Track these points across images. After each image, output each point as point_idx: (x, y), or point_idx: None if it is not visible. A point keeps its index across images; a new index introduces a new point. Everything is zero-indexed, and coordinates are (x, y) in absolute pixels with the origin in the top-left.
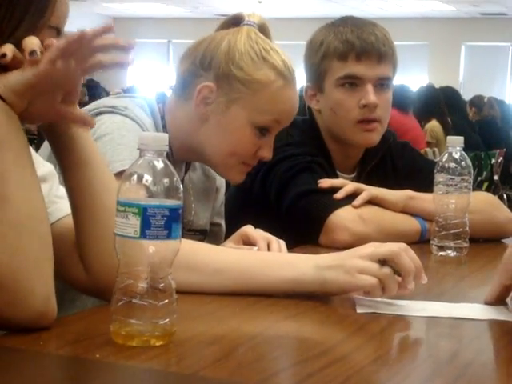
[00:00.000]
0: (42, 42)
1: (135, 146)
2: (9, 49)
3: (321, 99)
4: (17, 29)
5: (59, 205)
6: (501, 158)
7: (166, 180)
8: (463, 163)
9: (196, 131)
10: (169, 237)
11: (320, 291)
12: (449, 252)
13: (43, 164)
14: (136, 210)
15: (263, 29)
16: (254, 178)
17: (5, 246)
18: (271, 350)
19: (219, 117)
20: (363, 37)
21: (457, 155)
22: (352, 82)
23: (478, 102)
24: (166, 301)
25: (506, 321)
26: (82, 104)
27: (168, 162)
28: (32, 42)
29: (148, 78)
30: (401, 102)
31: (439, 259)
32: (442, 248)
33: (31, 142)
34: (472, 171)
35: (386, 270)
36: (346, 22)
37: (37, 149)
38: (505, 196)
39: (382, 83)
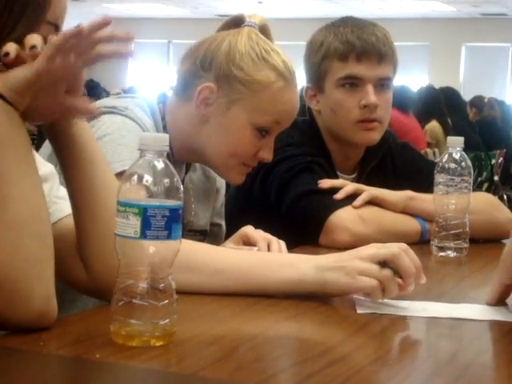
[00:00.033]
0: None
1: (136, 146)
2: (12, 47)
3: (321, 100)
4: (17, 25)
5: (60, 205)
6: (501, 159)
7: (166, 180)
8: (463, 164)
9: (196, 132)
10: (169, 237)
11: (320, 292)
12: (449, 252)
13: (44, 164)
14: (136, 211)
15: (264, 30)
16: (254, 179)
17: (5, 246)
18: (271, 351)
19: (220, 117)
20: (363, 37)
21: (457, 156)
22: (352, 83)
23: (478, 102)
24: (166, 301)
25: (506, 321)
26: None
27: (168, 163)
28: (33, 38)
29: (148, 79)
30: (401, 103)
31: (439, 260)
32: (442, 248)
33: (31, 142)
34: (472, 172)
35: (387, 272)
36: (347, 22)
37: (37, 149)
38: (505, 196)
39: (382, 83)
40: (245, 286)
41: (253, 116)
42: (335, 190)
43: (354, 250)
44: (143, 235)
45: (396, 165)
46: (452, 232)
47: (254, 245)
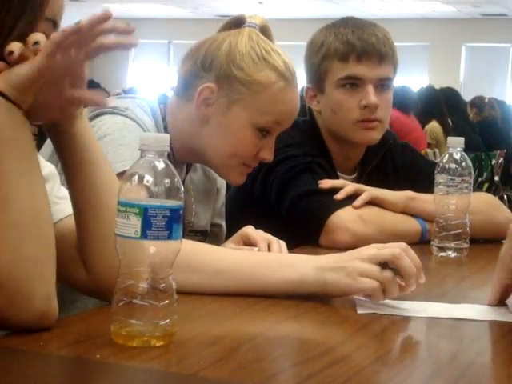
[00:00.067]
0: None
1: (136, 146)
2: (16, 46)
3: (321, 100)
4: (17, 23)
5: (60, 206)
6: (501, 159)
7: (166, 180)
8: (464, 164)
9: (197, 132)
10: (170, 237)
11: (320, 292)
12: (449, 253)
13: (44, 164)
14: (137, 211)
15: (265, 30)
16: (254, 179)
17: (6, 246)
18: (272, 351)
19: (220, 118)
20: (364, 38)
21: (457, 156)
22: (353, 83)
23: (478, 102)
24: (167, 301)
25: (506, 321)
26: None
27: (169, 163)
28: (36, 35)
29: (148, 79)
30: (402, 103)
31: (440, 260)
32: (442, 249)
33: None
34: (472, 172)
35: (388, 273)
36: (347, 22)
37: (38, 149)
38: (505, 197)
39: (382, 84)
40: (245, 287)
41: (253, 116)
42: (335, 190)
43: (355, 250)
44: (144, 235)
45: (396, 165)
46: (452, 232)
47: (255, 245)
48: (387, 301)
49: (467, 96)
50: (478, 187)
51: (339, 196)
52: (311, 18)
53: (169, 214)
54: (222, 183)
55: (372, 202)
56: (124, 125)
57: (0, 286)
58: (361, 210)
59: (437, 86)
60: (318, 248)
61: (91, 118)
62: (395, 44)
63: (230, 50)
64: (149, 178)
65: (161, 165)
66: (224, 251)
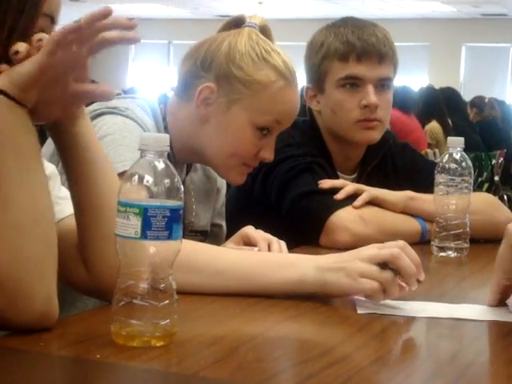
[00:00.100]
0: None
1: (136, 146)
2: (22, 46)
3: (321, 100)
4: (18, 21)
5: (61, 206)
6: (501, 159)
7: (166, 180)
8: (464, 164)
9: (197, 132)
10: (170, 237)
11: (320, 292)
12: (449, 253)
13: (46, 165)
14: (137, 211)
15: (264, 30)
16: (254, 179)
17: (7, 247)
18: (272, 351)
19: (220, 117)
20: (364, 38)
21: (457, 156)
22: (353, 83)
23: (479, 102)
24: (167, 301)
25: (506, 322)
26: None
27: (169, 163)
28: (40, 34)
29: (148, 79)
30: (403, 103)
31: (440, 260)
32: (442, 249)
33: None
34: (472, 172)
35: (388, 274)
36: (347, 22)
37: None
38: (505, 197)
39: (382, 84)
40: (245, 287)
41: (253, 116)
42: (335, 190)
43: (355, 250)
44: (144, 235)
45: (396, 165)
46: (452, 232)
47: (255, 245)
48: (387, 301)
49: (467, 96)
50: (478, 187)
51: (339, 196)
52: (311, 18)
53: (169, 214)
54: (222, 183)
55: (372, 202)
56: (124, 125)
57: (0, 286)
58: (361, 210)
59: (437, 86)
60: (317, 248)
61: (91, 118)
62: (395, 44)
63: (230, 49)
64: (149, 178)
65: (161, 165)
66: (224, 251)
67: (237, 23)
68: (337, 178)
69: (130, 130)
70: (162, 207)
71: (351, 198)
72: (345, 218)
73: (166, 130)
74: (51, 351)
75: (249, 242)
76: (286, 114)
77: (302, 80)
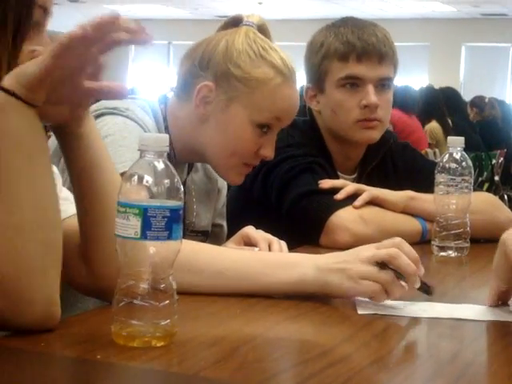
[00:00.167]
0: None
1: (137, 147)
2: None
3: (321, 100)
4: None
5: (63, 206)
6: (501, 159)
7: (166, 181)
8: (464, 163)
9: (197, 132)
10: (169, 237)
11: (321, 292)
12: (450, 252)
13: None
14: (137, 211)
15: (262, 29)
16: (254, 179)
17: (9, 250)
18: (272, 351)
19: (219, 116)
20: (364, 37)
21: (457, 155)
22: (353, 83)
23: (479, 102)
24: (167, 302)
25: (506, 322)
26: None
27: (168, 163)
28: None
29: (149, 80)
30: (405, 103)
31: (440, 260)
32: (442, 248)
33: None
34: (473, 171)
35: (388, 274)
36: (347, 22)
37: None
38: (505, 196)
39: (382, 84)
40: (246, 287)
41: (252, 113)
42: (336, 190)
43: (354, 250)
44: (143, 236)
45: (397, 165)
46: (453, 232)
47: (255, 245)
48: (388, 301)
49: (467, 96)
50: (478, 187)
51: (339, 196)
52: (311, 18)
53: (168, 215)
54: (223, 184)
55: (372, 202)
56: (125, 125)
57: (0, 290)
58: (361, 210)
59: (437, 86)
60: (318, 248)
61: None
62: (395, 44)
63: (227, 48)
64: (148, 179)
65: (160, 165)
66: (225, 251)
67: (235, 23)
68: (337, 177)
69: (130, 130)
70: (161, 207)
71: (351, 198)
72: (345, 218)
73: (167, 130)
74: (52, 351)
75: (249, 242)
76: (285, 111)
77: (302, 80)
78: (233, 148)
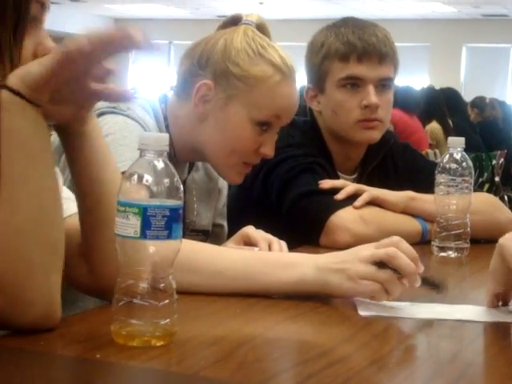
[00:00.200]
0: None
1: (137, 146)
2: (51, 43)
3: (322, 100)
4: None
5: (64, 205)
6: (502, 160)
7: (166, 180)
8: (464, 164)
9: (197, 131)
10: (169, 237)
11: (321, 292)
12: (450, 253)
13: None
14: (136, 210)
15: (262, 28)
16: (255, 179)
17: (8, 249)
18: (272, 351)
19: (218, 114)
20: (364, 38)
21: (458, 156)
22: (353, 83)
23: (479, 102)
24: (167, 301)
25: (506, 322)
26: None
27: (168, 162)
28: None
29: (149, 80)
30: (406, 104)
31: (440, 260)
32: (442, 249)
33: None
34: (473, 172)
35: (388, 273)
36: (347, 23)
37: None
38: (506, 197)
39: (383, 84)
40: (246, 286)
41: (251, 111)
42: (336, 190)
43: (353, 250)
44: (143, 235)
45: (397, 165)
46: (453, 232)
47: (255, 245)
48: (388, 302)
49: (467, 96)
50: (478, 188)
51: (340, 196)
52: (312, 18)
53: (168, 214)
54: (223, 183)
55: (372, 203)
56: (125, 125)
57: (1, 290)
58: (361, 211)
59: (437, 87)
60: (318, 248)
61: None
62: (396, 44)
63: (226, 46)
64: (148, 178)
65: (160, 164)
66: (224, 251)
67: (234, 22)
68: (337, 178)
69: (130, 129)
70: (161, 207)
71: (352, 199)
72: (345, 219)
73: (168, 129)
74: (51, 351)
75: (249, 242)
76: (284, 109)
77: (302, 80)
78: (232, 146)
